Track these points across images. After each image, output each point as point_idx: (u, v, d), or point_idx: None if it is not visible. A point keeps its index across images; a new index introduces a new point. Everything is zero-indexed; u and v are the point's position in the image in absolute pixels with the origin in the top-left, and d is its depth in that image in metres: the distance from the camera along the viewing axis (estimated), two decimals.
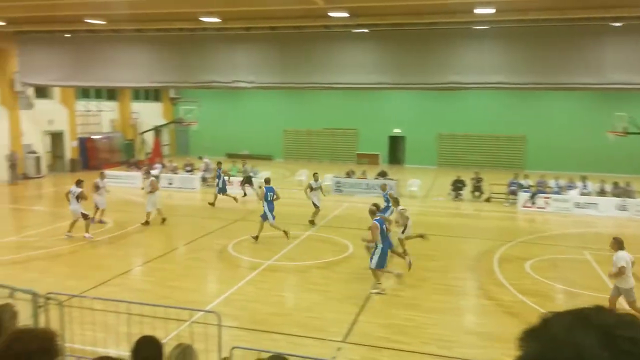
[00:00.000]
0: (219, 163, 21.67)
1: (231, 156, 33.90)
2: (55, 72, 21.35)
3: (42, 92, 27.83)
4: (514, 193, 21.53)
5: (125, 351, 6.32)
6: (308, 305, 10.14)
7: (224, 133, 37.27)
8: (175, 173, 25.10)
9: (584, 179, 21.59)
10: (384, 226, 11.02)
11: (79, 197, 14.81)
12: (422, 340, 8.64)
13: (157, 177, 24.19)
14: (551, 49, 16.08)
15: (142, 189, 16.93)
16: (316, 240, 15.29)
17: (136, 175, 24.78)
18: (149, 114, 36.53)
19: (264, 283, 11.41)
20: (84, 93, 31.31)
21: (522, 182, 21.66)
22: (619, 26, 15.14)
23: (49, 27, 20.10)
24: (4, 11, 17.37)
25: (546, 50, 16.11)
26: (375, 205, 11.81)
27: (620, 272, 8.92)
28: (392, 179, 23.54)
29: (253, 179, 23.73)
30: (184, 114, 35.15)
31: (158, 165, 26.02)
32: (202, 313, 7.80)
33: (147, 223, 16.49)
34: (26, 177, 25.73)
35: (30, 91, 26.13)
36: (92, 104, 31.79)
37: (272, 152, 37.02)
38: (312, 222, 17.22)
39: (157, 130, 34.08)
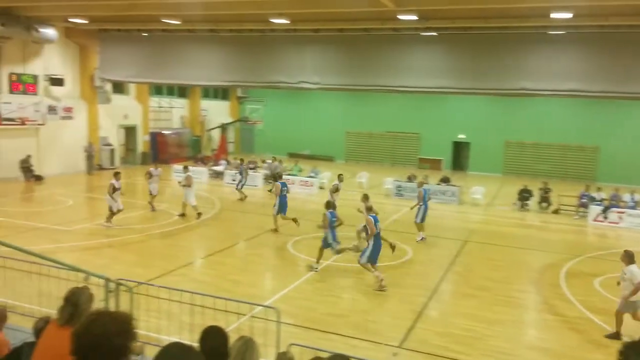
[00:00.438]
0: (242, 159, 22.31)
1: (292, 155, 34.35)
2: (132, 69, 22.45)
3: (119, 87, 29.31)
4: (584, 206, 20.52)
5: (187, 340, 6.55)
6: (364, 308, 10.11)
7: (287, 133, 37.80)
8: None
9: None
10: (377, 224, 11.31)
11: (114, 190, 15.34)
12: (481, 352, 8.40)
13: (221, 173, 24.92)
14: (630, 56, 15.25)
15: (179, 182, 17.47)
16: None
17: (202, 170, 25.55)
18: (217, 111, 37.62)
19: (321, 283, 11.47)
20: (157, 90, 32.69)
21: (595, 194, 20.61)
22: None
23: (128, 26, 21.17)
24: (88, 10, 18.44)
25: (625, 58, 15.30)
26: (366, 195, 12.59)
27: (636, 290, 8.66)
28: (454, 185, 23.05)
29: (314, 179, 23.92)
30: (249, 112, 36.02)
31: (223, 162, 26.73)
32: (261, 308, 7.93)
33: (183, 215, 16.95)
34: (101, 168, 27.17)
35: (109, 86, 27.59)
36: (164, 101, 33.15)
37: (333, 153, 37.16)
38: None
39: (224, 127, 35.05)
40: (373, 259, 11.23)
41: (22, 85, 23.32)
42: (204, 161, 28.46)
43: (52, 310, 6.93)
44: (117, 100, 28.96)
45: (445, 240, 16.26)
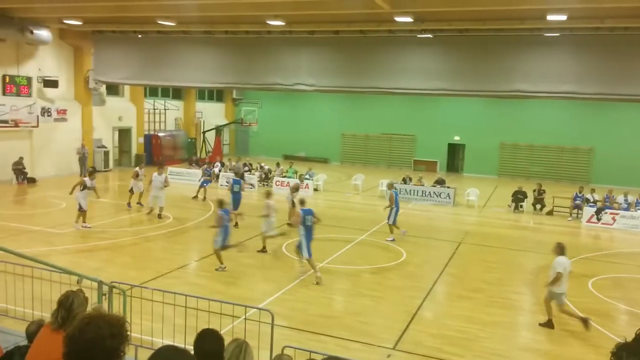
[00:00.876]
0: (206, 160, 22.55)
1: (288, 158, 34.32)
2: (126, 70, 22.36)
3: (113, 89, 29.22)
4: (578, 207, 20.62)
5: (180, 343, 6.51)
6: (358, 310, 10.11)
7: (282, 134, 37.80)
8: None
9: None
10: (308, 217, 11.83)
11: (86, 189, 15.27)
12: (475, 353, 8.41)
13: (216, 175, 24.89)
14: (625, 58, 15.32)
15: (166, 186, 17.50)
16: (369, 245, 15.22)
17: (197, 172, 25.50)
18: (212, 113, 37.57)
19: (315, 285, 11.45)
20: (152, 92, 32.61)
21: (588, 196, 20.70)
22: None
23: (123, 27, 21.09)
24: (82, 11, 18.36)
25: (620, 60, 15.37)
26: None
27: (557, 279, 9.21)
28: (449, 187, 23.10)
29: (309, 181, 23.92)
30: (245, 114, 35.98)
31: (218, 164, 26.68)
32: (255, 310, 7.92)
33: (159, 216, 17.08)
34: (95, 170, 26.98)
35: (103, 88, 27.49)
36: (159, 103, 33.06)
37: (329, 155, 37.18)
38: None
39: (219, 129, 35.00)
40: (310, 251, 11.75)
41: (15, 87, 23.18)
42: (199, 163, 28.40)
43: (45, 313, 6.89)
44: (111, 102, 28.87)
45: (439, 242, 16.29)
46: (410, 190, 23.07)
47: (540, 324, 9.63)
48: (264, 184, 24.91)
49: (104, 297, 6.36)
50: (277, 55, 19.55)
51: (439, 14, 15.33)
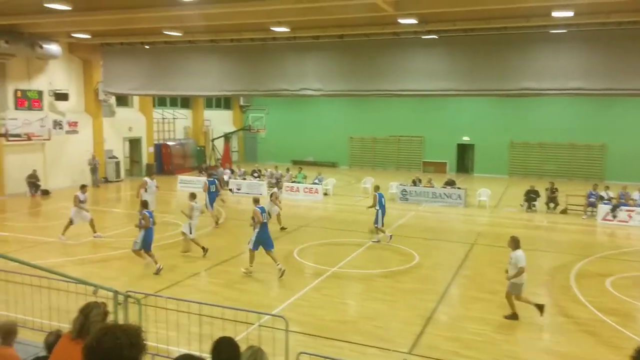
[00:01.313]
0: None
1: (296, 163, 34.38)
2: (135, 81, 22.58)
3: (122, 100, 29.48)
4: (593, 205, 20.41)
5: (196, 350, 6.53)
6: (372, 314, 10.07)
7: (290, 140, 37.88)
8: (244, 179, 25.74)
9: None
10: (264, 214, 12.56)
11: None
12: (493, 356, 8.34)
13: (226, 182, 24.97)
14: (634, 53, 15.21)
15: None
16: (381, 249, 15.17)
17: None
18: (220, 121, 37.76)
19: (328, 290, 11.44)
20: (160, 101, 32.86)
21: (603, 193, 20.48)
22: None
23: (130, 39, 21.30)
24: (89, 25, 18.57)
25: (628, 55, 15.25)
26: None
27: (520, 272, 9.64)
28: (460, 188, 23.00)
29: (318, 186, 23.93)
30: (252, 121, 36.13)
31: (227, 171, 26.79)
32: (269, 317, 7.92)
33: None
34: (107, 180, 27.27)
35: (112, 100, 27.75)
36: (168, 112, 33.29)
37: (337, 159, 37.18)
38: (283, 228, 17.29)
39: (227, 137, 35.16)
40: (266, 245, 12.47)
41: (27, 101, 23.48)
42: (208, 171, 28.50)
43: (62, 324, 6.95)
44: (121, 113, 29.12)
45: (452, 244, 16.21)
46: (420, 192, 23.00)
47: (505, 317, 9.91)
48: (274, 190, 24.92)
49: (119, 306, 6.41)
50: (283, 61, 19.64)
51: (443, 14, 15.31)
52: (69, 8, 15.04)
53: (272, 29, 17.55)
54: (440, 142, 34.39)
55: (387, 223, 18.20)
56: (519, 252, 9.85)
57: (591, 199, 20.56)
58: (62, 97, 24.72)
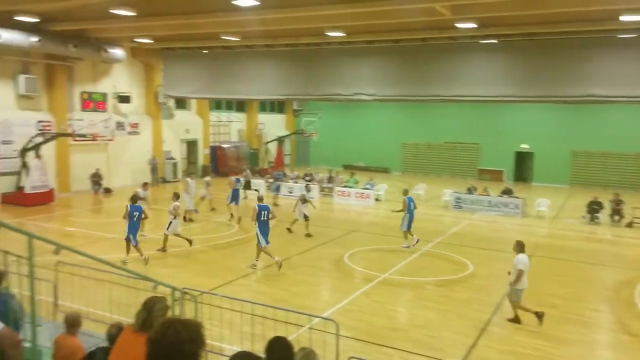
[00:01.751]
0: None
1: (348, 167, 34.37)
2: (194, 85, 23.25)
3: (181, 103, 30.42)
4: None
5: (247, 349, 6.63)
6: (424, 323, 9.90)
7: (342, 144, 37.88)
8: (296, 182, 25.96)
9: None
10: (264, 212, 13.10)
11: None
12: None
13: (278, 187, 25.26)
14: None
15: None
16: (433, 257, 14.92)
17: (260, 182, 26.02)
18: (273, 125, 38.27)
19: (379, 296, 11.34)
20: (217, 105, 33.67)
21: None
22: None
23: (190, 44, 21.99)
24: (152, 30, 19.28)
25: None
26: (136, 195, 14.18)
27: (519, 276, 9.71)
28: (517, 197, 22.31)
29: (370, 191, 23.83)
30: (305, 125, 36.42)
31: (280, 174, 27.13)
32: (319, 320, 7.93)
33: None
34: (164, 180, 28.19)
35: (171, 103, 28.70)
36: (223, 115, 34.08)
37: (389, 165, 36.88)
38: (289, 230, 17.25)
39: (280, 140, 35.58)
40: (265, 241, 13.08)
41: (92, 103, 24.65)
42: (261, 174, 28.95)
43: (122, 317, 7.21)
44: (179, 116, 30.06)
45: (508, 254, 15.59)
46: (475, 200, 22.47)
47: (508, 319, 9.98)
48: (325, 194, 25.09)
49: (175, 302, 6.60)
50: (337, 66, 19.69)
51: (503, 18, 14.93)
52: (134, 14, 15.69)
53: (327, 33, 17.65)
54: (497, 150, 33.45)
55: (440, 230, 17.93)
56: (521, 256, 9.91)
57: None
58: (124, 99, 25.78)
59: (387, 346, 8.69)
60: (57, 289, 8.72)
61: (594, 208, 20.68)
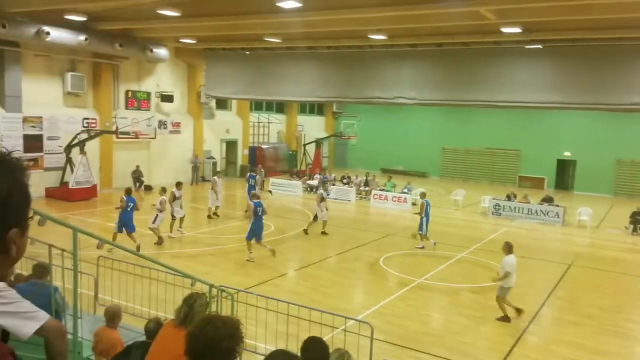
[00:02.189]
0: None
1: (385, 171, 34.18)
2: (235, 86, 23.59)
3: (222, 104, 30.92)
4: None
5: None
6: (459, 329, 9.78)
7: (380, 148, 37.68)
8: (333, 184, 26.01)
9: None
10: (259, 208, 13.77)
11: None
12: None
13: (316, 187, 25.37)
14: None
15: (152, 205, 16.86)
16: (470, 263, 14.71)
17: (297, 184, 26.20)
18: (312, 126, 38.44)
19: (413, 300, 11.27)
20: (257, 106, 34.07)
21: None
22: None
23: (232, 45, 22.34)
24: (196, 30, 19.69)
25: None
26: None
27: (505, 276, 10.02)
28: (558, 206, 21.74)
29: (407, 195, 23.64)
30: (344, 128, 36.43)
31: (317, 176, 27.24)
32: (354, 322, 7.94)
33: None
34: (204, 179, 28.69)
35: (213, 103, 29.21)
36: (263, 116, 34.45)
37: (427, 170, 36.50)
38: (307, 232, 17.23)
39: (319, 142, 35.70)
40: (257, 236, 13.73)
41: (136, 101, 25.32)
42: (299, 175, 29.13)
43: (160, 312, 7.41)
44: (220, 116, 30.58)
45: (546, 263, 15.34)
46: (515, 208, 22.00)
47: (497, 319, 10.12)
48: (362, 197, 25.06)
49: (212, 299, 6.73)
50: (378, 69, 19.62)
51: (549, 23, 14.60)
52: (179, 14, 16.06)
53: (369, 36, 17.63)
54: (538, 157, 32.64)
55: (477, 237, 17.66)
56: (509, 258, 10.20)
57: None
58: (167, 98, 26.38)
59: (420, 351, 8.64)
60: (97, 282, 9.02)
61: (637, 219, 19.96)
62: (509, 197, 22.73)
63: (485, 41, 16.71)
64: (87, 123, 22.91)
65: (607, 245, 18.15)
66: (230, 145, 31.94)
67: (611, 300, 11.95)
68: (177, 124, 27.32)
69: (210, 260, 13.70)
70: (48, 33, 18.86)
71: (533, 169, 32.95)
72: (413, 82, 18.79)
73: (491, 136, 33.97)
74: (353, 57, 20.00)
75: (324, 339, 7.02)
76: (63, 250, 5.62)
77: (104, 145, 23.70)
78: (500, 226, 20.26)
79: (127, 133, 22.64)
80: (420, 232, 15.96)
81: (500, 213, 22.08)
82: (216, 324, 2.40)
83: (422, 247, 15.80)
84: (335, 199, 23.86)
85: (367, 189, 25.56)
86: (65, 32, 19.62)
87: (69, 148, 21.61)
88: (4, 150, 1.16)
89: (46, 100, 21.70)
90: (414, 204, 23.73)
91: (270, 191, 23.29)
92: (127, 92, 24.95)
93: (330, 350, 3.93)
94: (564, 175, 32.86)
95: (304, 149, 35.04)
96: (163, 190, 15.52)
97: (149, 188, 24.94)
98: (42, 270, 5.48)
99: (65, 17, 17.63)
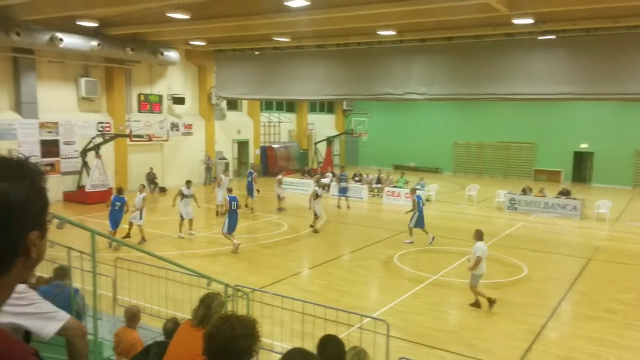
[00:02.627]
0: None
1: (398, 167, 34.06)
2: (245, 86, 23.65)
3: (232, 104, 31.02)
4: None
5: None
6: (476, 325, 9.70)
7: (392, 144, 37.56)
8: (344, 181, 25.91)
9: None
10: (234, 202, 14.44)
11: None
12: None
13: (327, 185, 25.34)
14: None
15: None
16: (486, 259, 14.54)
17: (309, 182, 26.17)
18: (323, 125, 38.43)
19: (429, 297, 11.19)
20: (267, 105, 34.13)
21: None
22: None
23: (242, 46, 22.39)
24: (205, 32, 19.76)
25: None
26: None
27: (477, 262, 10.27)
28: (575, 199, 21.48)
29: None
30: (354, 125, 36.36)
31: (329, 174, 27.20)
32: (369, 319, 7.91)
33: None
34: (216, 180, 28.78)
35: (224, 104, 29.31)
36: (274, 116, 34.51)
37: (440, 165, 36.30)
38: (315, 230, 17.19)
39: (329, 140, 35.68)
40: (231, 229, 14.33)
41: (149, 104, 25.51)
42: (310, 174, 29.11)
43: (177, 312, 7.43)
44: (231, 117, 30.67)
45: (565, 257, 15.17)
46: (531, 202, 21.78)
47: (470, 304, 10.48)
48: (374, 194, 24.97)
49: (228, 299, 6.74)
50: (388, 65, 19.52)
51: (562, 13, 14.40)
52: (188, 17, 16.12)
53: (378, 32, 17.55)
54: (554, 149, 32.27)
55: (493, 232, 17.49)
56: (479, 244, 10.44)
57: None
58: (179, 100, 26.53)
59: (437, 348, 8.57)
60: (115, 284, 9.09)
61: None
62: (524, 191, 22.51)
63: (497, 33, 16.53)
64: (102, 127, 23.15)
65: (627, 239, 17.87)
66: (242, 145, 32.03)
67: (634, 294, 11.76)
68: (189, 126, 27.47)
69: (225, 260, 13.74)
70: (61, 39, 19.08)
71: (549, 162, 32.59)
72: (423, 77, 18.66)
73: (504, 129, 33.66)
74: (362, 54, 19.92)
75: (340, 337, 7.01)
76: (82, 252, 5.67)
77: (118, 149, 23.91)
78: (516, 221, 20.06)
79: (141, 136, 22.81)
80: (410, 225, 16.07)
81: (516, 207, 21.87)
82: (233, 323, 2.40)
83: (412, 242, 15.86)
84: (348, 197, 23.76)
85: (379, 186, 25.47)
86: (78, 38, 19.83)
87: (84, 152, 21.85)
88: (21, 156, 1.19)
89: (61, 106, 21.95)
90: (427, 200, 23.62)
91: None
92: (139, 95, 25.14)
93: (347, 348, 3.91)
94: (581, 167, 32.44)
95: (315, 148, 35.03)
96: (142, 186, 16.26)
97: (163, 190, 25.10)
98: (62, 272, 5.54)
99: (77, 23, 17.80)
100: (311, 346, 3.81)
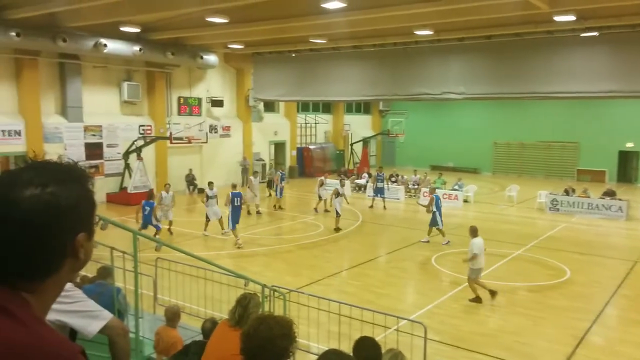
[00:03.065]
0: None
1: (435, 168, 33.65)
2: (282, 88, 23.86)
3: (269, 106, 31.32)
4: None
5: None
6: (516, 329, 9.50)
7: (429, 145, 37.12)
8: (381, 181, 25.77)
9: None
10: (236, 198, 14.95)
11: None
12: None
13: (364, 186, 25.28)
14: None
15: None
16: (526, 261, 14.25)
17: (346, 183, 26.12)
18: (359, 126, 38.33)
19: (467, 300, 11.02)
20: (304, 107, 34.31)
21: None
22: None
23: (279, 48, 22.59)
24: (244, 36, 20.05)
25: None
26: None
27: (474, 258, 10.58)
28: (621, 199, 20.75)
29: (458, 192, 23.18)
30: (391, 126, 36.12)
31: (365, 175, 27.11)
32: (406, 322, 7.86)
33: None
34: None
35: (261, 106, 29.64)
36: (310, 117, 34.65)
37: (479, 165, 35.66)
38: (337, 229, 17.17)
39: (366, 141, 35.56)
40: (234, 224, 14.81)
41: (188, 107, 26.04)
42: (347, 174, 29.09)
43: (215, 312, 7.59)
44: (268, 118, 30.97)
45: (610, 260, 14.68)
46: (574, 203, 21.16)
47: (470, 300, 10.57)
48: (411, 195, 24.76)
49: (265, 299, 6.83)
50: (425, 65, 19.35)
51: (606, 9, 13.95)
52: (227, 21, 16.40)
53: (415, 32, 17.41)
54: (598, 149, 31.23)
55: (534, 234, 17.11)
56: (476, 240, 10.72)
57: None
58: (217, 103, 26.97)
59: (475, 351, 8.44)
60: (156, 283, 9.33)
61: None
62: (567, 192, 21.88)
63: (538, 31, 16.15)
64: (143, 130, 23.75)
65: None
66: (279, 147, 32.30)
67: None
68: (227, 128, 27.89)
69: (262, 261, 13.90)
70: (105, 45, 19.70)
71: (593, 161, 31.57)
72: (462, 77, 18.39)
73: (546, 129, 32.79)
74: (399, 54, 19.79)
75: (377, 339, 6.99)
76: (124, 252, 5.84)
77: (159, 151, 24.48)
78: (558, 222, 19.53)
79: (181, 138, 23.30)
80: (432, 226, 15.91)
81: (558, 209, 21.28)
82: (270, 324, 2.44)
83: (428, 241, 15.77)
84: (384, 197, 23.63)
85: (417, 187, 25.23)
86: (121, 44, 20.43)
87: (126, 154, 22.47)
88: (70, 160, 1.25)
89: (105, 110, 22.64)
90: (465, 200, 23.27)
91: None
92: (179, 98, 25.68)
93: (383, 351, 3.91)
94: (627, 167, 31.31)
95: (351, 148, 34.98)
96: (168, 186, 17.13)
97: (202, 191, 25.53)
98: (105, 272, 5.72)
99: (121, 29, 18.35)
100: (347, 348, 3.83)
